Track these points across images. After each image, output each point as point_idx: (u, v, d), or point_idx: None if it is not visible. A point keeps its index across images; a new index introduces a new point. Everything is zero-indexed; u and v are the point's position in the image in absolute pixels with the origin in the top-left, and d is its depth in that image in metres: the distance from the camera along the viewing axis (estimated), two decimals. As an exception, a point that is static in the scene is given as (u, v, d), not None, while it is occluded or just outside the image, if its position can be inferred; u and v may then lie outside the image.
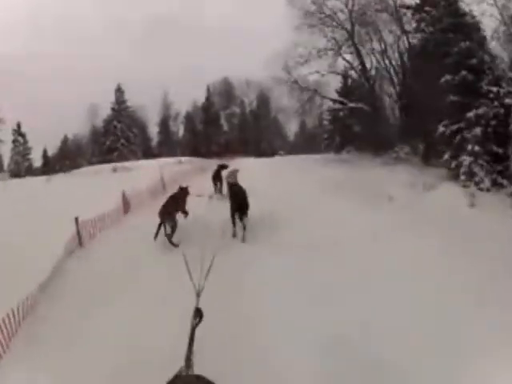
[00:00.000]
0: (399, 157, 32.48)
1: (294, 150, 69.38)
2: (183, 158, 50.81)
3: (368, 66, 39.90)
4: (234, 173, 17.55)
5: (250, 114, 75.87)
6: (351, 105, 39.78)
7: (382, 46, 37.95)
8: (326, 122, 69.52)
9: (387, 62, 38.27)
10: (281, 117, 73.28)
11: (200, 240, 9.47)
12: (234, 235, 12.84)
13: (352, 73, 42.01)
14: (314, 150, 67.78)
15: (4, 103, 51.99)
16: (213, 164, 25.53)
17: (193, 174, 27.17)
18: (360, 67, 40.14)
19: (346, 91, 43.88)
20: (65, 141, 74.49)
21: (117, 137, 67.59)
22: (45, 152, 73.63)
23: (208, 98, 74.54)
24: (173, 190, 15.88)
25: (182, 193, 14.52)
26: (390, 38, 37.41)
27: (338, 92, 44.68)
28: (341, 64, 41.50)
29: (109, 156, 65.22)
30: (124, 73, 70.95)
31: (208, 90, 74.38)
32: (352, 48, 38.99)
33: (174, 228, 12.66)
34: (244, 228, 12.89)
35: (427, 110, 27.44)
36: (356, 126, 51.62)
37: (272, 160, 43.94)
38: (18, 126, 67.63)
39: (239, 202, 13.01)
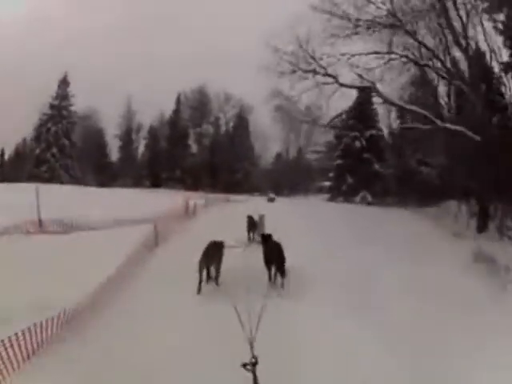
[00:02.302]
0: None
1: (279, 187, 57.28)
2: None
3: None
4: (262, 220, 18.97)
5: (225, 136, 62.07)
6: (446, 125, 24.44)
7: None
8: (314, 156, 60.88)
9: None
10: (258, 144, 63.01)
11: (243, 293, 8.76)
12: (274, 291, 11.80)
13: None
14: (305, 190, 57.85)
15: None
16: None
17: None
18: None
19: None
20: (23, 144, 58.96)
21: (48, 144, 52.08)
22: (2, 153, 59.29)
23: (177, 111, 61.09)
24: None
25: (217, 247, 12.92)
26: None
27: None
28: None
29: (36, 171, 50.24)
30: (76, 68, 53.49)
31: (178, 99, 61.03)
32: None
33: (219, 268, 12.53)
34: (282, 285, 12.24)
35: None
36: (376, 163, 40.44)
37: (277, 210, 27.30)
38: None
39: (276, 263, 12.38)
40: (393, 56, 27.31)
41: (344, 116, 36.67)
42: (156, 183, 57.14)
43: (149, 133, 62.24)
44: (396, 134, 36.68)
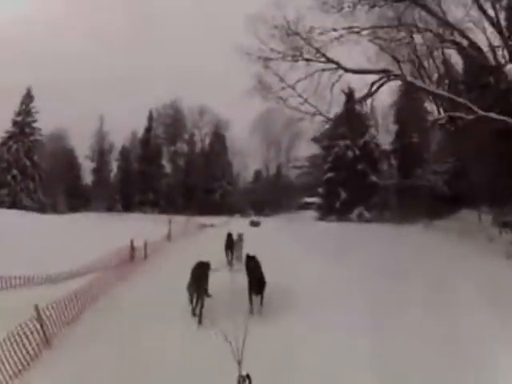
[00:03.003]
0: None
1: (259, 206, 54.53)
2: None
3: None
4: (241, 238, 18.59)
5: (201, 154, 58.05)
6: (490, 114, 19.16)
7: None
8: (295, 171, 57.80)
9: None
10: (236, 161, 59.65)
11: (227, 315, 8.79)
12: (252, 312, 11.52)
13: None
14: (287, 208, 54.77)
15: None
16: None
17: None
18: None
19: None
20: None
21: (8, 165, 46.80)
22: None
23: (149, 129, 56.95)
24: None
25: (204, 269, 12.50)
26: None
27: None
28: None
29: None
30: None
31: (150, 115, 56.91)
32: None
33: (202, 300, 11.51)
34: (261, 303, 11.84)
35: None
36: (371, 174, 36.78)
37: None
38: None
39: (256, 282, 12.01)
40: (414, 29, 22.42)
41: (330, 125, 32.81)
42: (129, 207, 53.18)
43: (121, 153, 58.18)
44: (398, 139, 33.07)
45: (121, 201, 55.13)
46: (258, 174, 60.90)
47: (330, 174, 37.87)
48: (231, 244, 18.30)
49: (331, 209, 37.57)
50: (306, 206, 54.36)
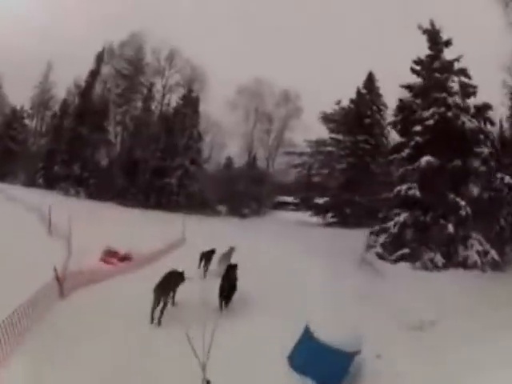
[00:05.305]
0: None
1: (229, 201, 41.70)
2: None
3: None
4: (231, 253, 17.67)
5: (160, 119, 41.18)
6: None
7: None
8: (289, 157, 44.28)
9: None
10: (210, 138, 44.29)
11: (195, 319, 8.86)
12: (221, 311, 12.42)
13: None
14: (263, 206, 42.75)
15: None
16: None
17: None
18: None
19: None
20: None
21: None
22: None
23: (95, 73, 40.76)
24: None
25: (177, 278, 12.58)
26: None
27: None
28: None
29: None
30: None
31: (100, 54, 41.10)
32: None
33: (166, 304, 11.81)
34: (226, 305, 12.83)
35: None
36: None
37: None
38: None
39: (228, 289, 12.77)
40: None
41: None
42: (51, 182, 39.75)
43: (60, 109, 44.17)
44: None
45: (43, 172, 41.45)
46: (229, 160, 45.53)
47: (428, 159, 19.14)
48: (208, 259, 16.90)
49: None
50: (281, 207, 46.17)
